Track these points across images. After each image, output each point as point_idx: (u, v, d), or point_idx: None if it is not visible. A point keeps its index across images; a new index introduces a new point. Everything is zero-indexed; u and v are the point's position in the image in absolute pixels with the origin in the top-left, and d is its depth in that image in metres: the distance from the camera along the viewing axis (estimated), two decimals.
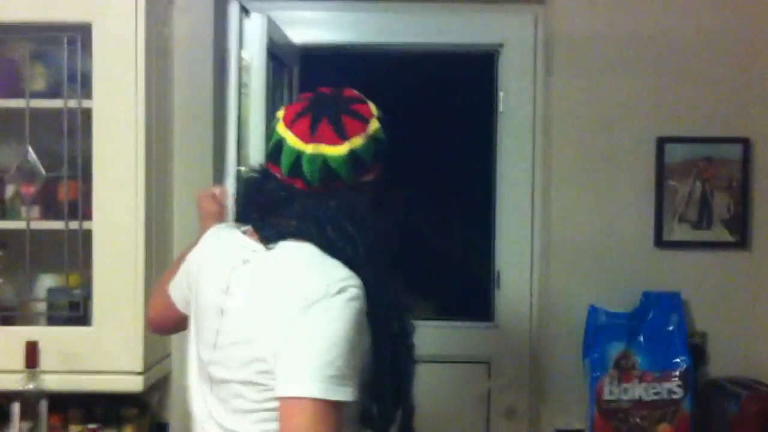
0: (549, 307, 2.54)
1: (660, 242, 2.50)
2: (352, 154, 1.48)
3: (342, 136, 1.48)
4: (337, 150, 1.47)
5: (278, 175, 1.52)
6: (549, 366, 2.55)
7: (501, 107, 2.65)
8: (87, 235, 2.26)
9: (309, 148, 1.47)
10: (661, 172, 2.50)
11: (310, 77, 2.68)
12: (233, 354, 1.48)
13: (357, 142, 1.48)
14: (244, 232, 1.59)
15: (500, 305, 2.67)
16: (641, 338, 2.42)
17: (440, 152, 2.93)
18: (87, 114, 2.25)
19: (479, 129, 2.74)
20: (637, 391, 2.39)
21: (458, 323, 2.74)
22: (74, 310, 2.31)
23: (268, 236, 1.51)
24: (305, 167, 1.47)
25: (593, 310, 2.44)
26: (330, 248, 1.46)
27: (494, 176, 2.68)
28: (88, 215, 2.26)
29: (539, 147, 2.62)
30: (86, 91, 2.25)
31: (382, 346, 1.47)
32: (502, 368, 2.66)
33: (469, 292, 2.84)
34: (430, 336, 2.47)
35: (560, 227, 2.52)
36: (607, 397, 2.39)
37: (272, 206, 1.53)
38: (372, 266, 1.45)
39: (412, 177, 2.70)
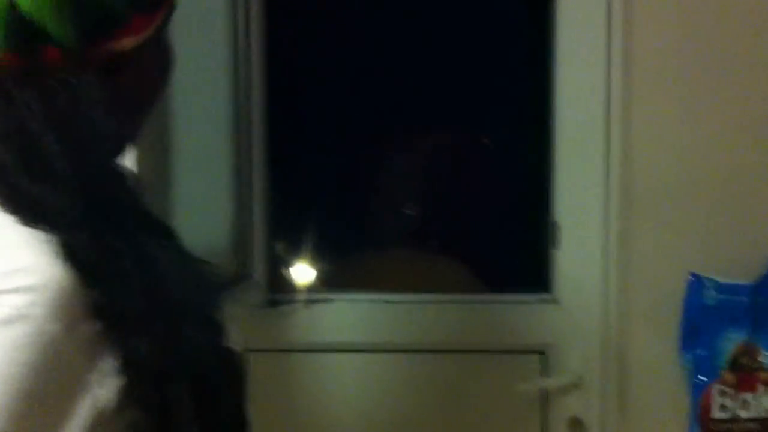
0: (630, 275, 2.09)
1: None
2: None
3: None
4: None
5: None
6: (630, 361, 2.11)
7: None
8: None
9: None
10: None
11: None
12: None
13: None
14: None
15: (560, 272, 2.18)
16: None
17: (470, 47, 2.38)
18: None
19: (526, 11, 2.24)
20: (765, 404, 1.98)
21: (500, 296, 2.26)
22: None
23: None
24: None
25: (697, 281, 1.98)
26: (5, 194, 0.89)
27: (550, 83, 2.14)
28: None
29: (617, 37, 2.08)
30: None
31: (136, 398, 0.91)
32: (563, 361, 2.18)
33: (516, 253, 2.35)
34: (460, 315, 2.14)
35: (646, 159, 2.06)
36: (718, 414, 1.96)
37: None
38: (101, 225, 0.88)
39: (428, 86, 2.28)
